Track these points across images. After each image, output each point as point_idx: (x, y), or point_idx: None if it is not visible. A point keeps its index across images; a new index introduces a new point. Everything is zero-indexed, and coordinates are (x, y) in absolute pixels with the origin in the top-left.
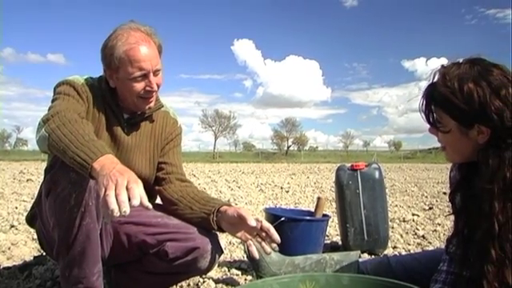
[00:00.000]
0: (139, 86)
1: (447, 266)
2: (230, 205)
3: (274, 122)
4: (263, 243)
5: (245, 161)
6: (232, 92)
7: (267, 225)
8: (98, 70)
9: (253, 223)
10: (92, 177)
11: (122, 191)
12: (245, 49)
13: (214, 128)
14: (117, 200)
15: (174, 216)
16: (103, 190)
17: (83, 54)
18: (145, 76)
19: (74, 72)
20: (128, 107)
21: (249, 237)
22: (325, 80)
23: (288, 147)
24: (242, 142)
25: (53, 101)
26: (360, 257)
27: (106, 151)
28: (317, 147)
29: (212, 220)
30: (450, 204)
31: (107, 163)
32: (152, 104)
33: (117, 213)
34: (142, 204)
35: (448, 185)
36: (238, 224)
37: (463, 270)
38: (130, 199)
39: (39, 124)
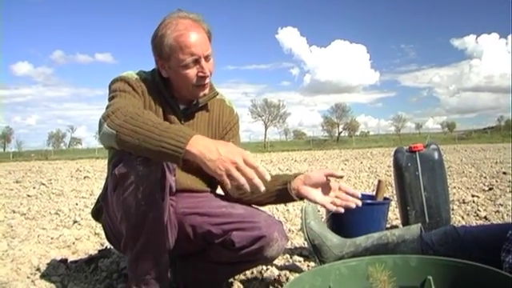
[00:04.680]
0: (192, 72)
1: None
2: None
3: (324, 109)
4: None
5: (296, 149)
6: (279, 81)
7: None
8: (145, 66)
9: (340, 173)
10: (186, 160)
11: (247, 170)
12: (289, 37)
13: (263, 118)
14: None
15: (242, 201)
16: (224, 174)
17: (130, 52)
18: (196, 61)
19: (122, 70)
20: (183, 97)
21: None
22: (372, 64)
23: (339, 133)
24: (292, 130)
25: (110, 99)
26: (422, 230)
27: (193, 132)
28: (368, 132)
29: (289, 189)
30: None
31: (204, 145)
32: (206, 91)
33: (258, 184)
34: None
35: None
36: (320, 186)
37: None
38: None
39: (100, 122)
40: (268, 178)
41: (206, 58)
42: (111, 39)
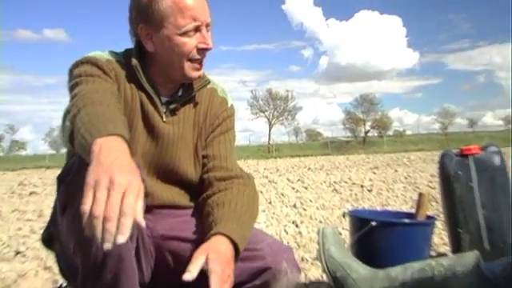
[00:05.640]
0: (191, 42)
1: None
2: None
3: (346, 101)
4: None
5: (310, 154)
6: (287, 65)
7: None
8: (113, 47)
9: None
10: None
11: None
12: (300, 8)
13: (267, 113)
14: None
15: None
16: (88, 191)
17: (91, 28)
18: (197, 29)
19: (81, 51)
20: (167, 85)
21: None
22: (410, 41)
23: (366, 133)
24: (304, 129)
25: (71, 87)
26: (480, 259)
27: (115, 130)
28: (404, 131)
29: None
30: None
31: (106, 148)
32: (202, 71)
33: (103, 241)
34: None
35: None
36: None
37: None
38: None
39: (63, 116)
40: (126, 235)
41: (207, 28)
42: (64, 10)
